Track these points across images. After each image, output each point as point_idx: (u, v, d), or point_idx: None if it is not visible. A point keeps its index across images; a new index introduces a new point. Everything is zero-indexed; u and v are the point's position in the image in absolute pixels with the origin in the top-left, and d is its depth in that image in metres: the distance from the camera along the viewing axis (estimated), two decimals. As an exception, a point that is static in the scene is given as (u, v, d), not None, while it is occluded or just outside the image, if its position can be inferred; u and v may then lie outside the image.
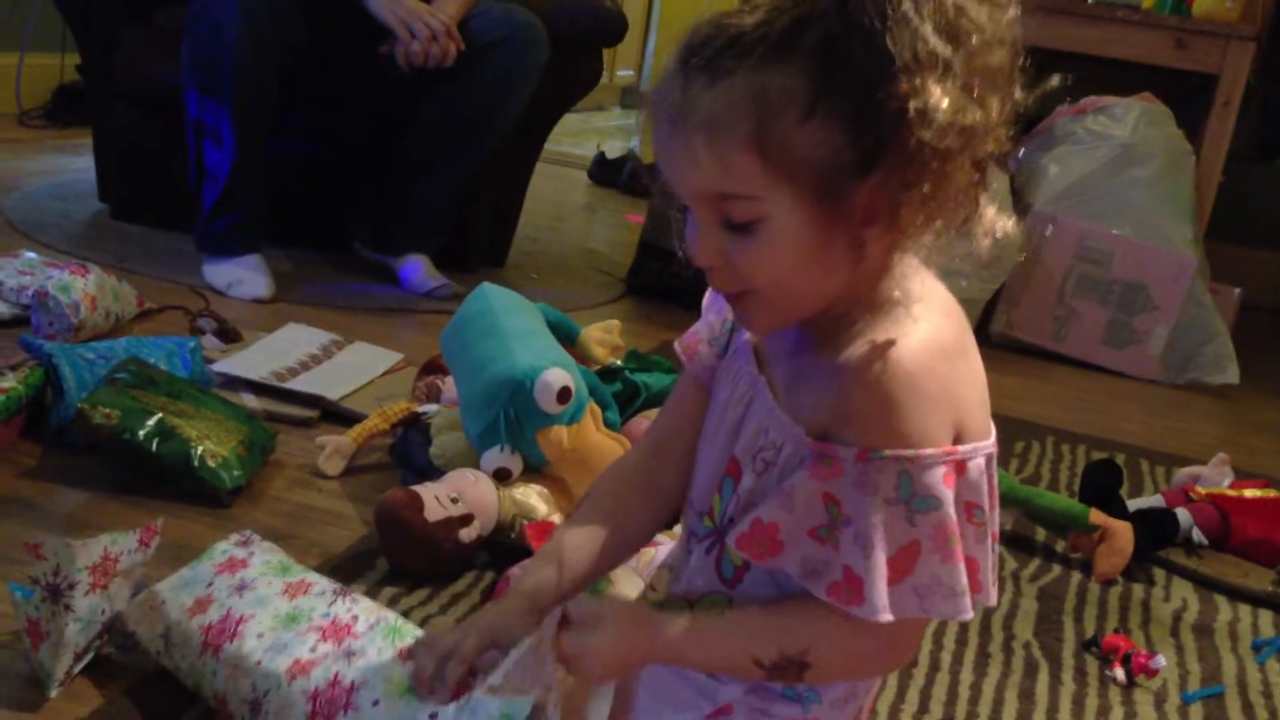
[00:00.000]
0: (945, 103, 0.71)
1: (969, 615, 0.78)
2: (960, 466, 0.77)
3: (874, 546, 0.75)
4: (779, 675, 0.81)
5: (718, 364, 0.91)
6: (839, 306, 0.78)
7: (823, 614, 0.79)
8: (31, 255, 2.04)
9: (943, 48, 0.71)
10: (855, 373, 0.75)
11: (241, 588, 1.06)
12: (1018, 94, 0.75)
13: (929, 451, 0.75)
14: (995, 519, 0.82)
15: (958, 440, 0.77)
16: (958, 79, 0.71)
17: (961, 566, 0.77)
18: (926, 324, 0.77)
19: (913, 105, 0.70)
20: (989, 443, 0.80)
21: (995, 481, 0.81)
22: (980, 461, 0.78)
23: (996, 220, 0.77)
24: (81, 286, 1.82)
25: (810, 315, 0.80)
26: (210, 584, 1.07)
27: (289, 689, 0.97)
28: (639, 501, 0.95)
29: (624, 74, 7.21)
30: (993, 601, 0.82)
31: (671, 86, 0.75)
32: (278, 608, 1.04)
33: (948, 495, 0.76)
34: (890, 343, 0.75)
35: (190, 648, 1.02)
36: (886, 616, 0.76)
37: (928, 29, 0.70)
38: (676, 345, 0.94)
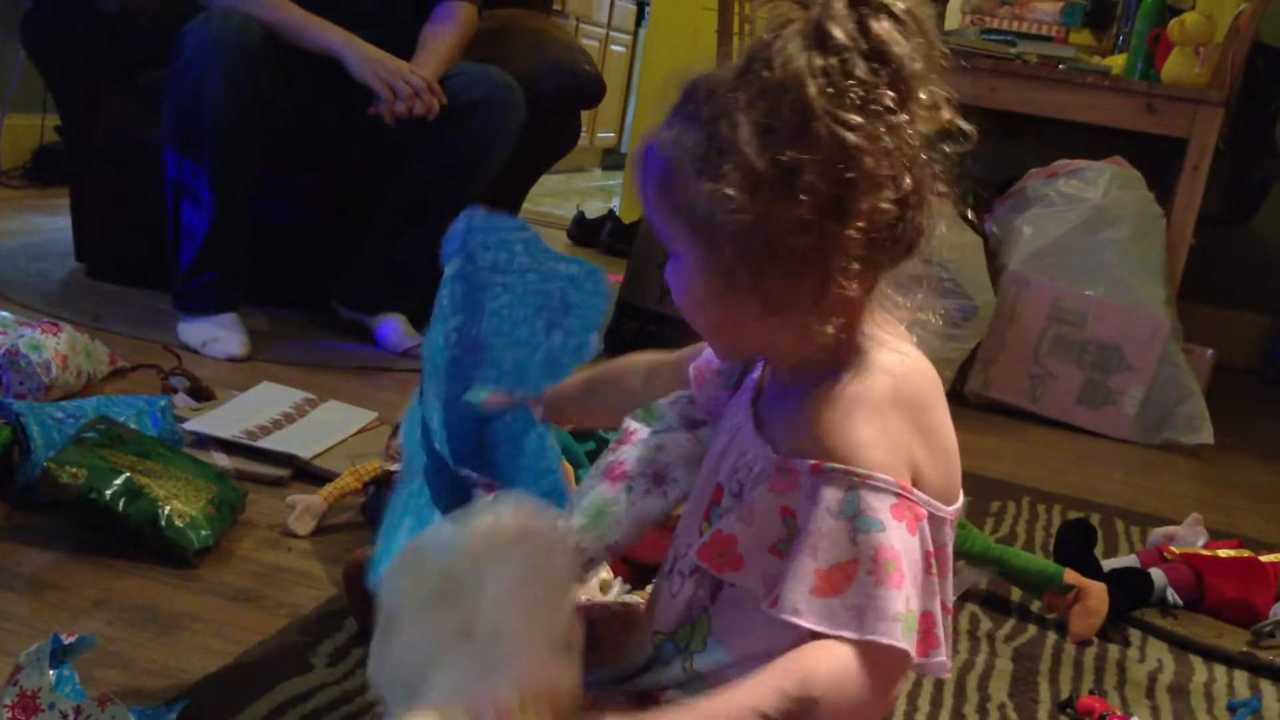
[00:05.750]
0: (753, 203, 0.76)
1: (900, 644, 0.75)
2: (915, 510, 0.78)
3: (803, 552, 0.77)
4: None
5: (725, 398, 0.95)
6: (816, 358, 0.82)
7: (813, 647, 0.77)
8: (5, 314, 2.03)
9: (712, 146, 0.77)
10: (820, 398, 0.80)
11: None
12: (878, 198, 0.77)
13: (881, 476, 0.77)
14: (947, 587, 0.82)
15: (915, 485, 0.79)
16: (777, 178, 0.75)
17: (898, 593, 0.76)
18: (889, 376, 0.81)
19: (728, 192, 0.76)
20: (949, 508, 0.81)
21: (948, 550, 0.82)
22: (927, 520, 0.79)
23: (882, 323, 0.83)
24: (53, 345, 1.81)
25: (747, 354, 0.89)
26: None
27: None
28: (635, 385, 1.07)
29: (604, 136, 7.29)
30: (947, 670, 0.82)
31: None
32: None
33: (894, 524, 0.76)
34: (857, 378, 0.81)
35: None
36: (800, 621, 0.76)
37: (745, 133, 0.76)
38: (690, 369, 1.00)
